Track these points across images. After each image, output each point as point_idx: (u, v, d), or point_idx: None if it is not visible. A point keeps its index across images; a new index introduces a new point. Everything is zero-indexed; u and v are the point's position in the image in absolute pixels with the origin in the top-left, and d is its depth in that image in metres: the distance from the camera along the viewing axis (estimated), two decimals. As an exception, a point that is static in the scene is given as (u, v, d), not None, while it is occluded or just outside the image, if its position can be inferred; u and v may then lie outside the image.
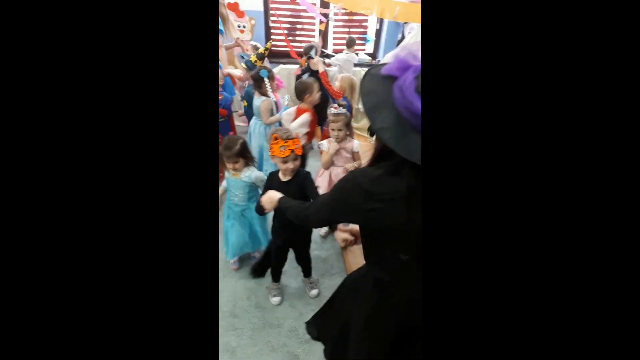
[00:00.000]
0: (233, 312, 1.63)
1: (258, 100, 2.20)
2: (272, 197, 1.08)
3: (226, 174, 1.65)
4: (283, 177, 1.40)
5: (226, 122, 2.39)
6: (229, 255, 1.77)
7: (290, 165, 1.35)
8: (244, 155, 1.57)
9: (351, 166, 1.85)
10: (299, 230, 1.57)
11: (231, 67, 2.92)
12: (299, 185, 1.40)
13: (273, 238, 1.58)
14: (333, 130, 1.77)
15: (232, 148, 1.53)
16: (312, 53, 2.52)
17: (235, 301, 1.68)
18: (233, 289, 1.74)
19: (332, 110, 1.76)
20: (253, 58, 2.35)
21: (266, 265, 1.67)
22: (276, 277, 1.69)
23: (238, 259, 1.85)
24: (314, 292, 1.71)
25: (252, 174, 1.61)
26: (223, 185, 1.70)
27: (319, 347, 1.50)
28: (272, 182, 1.42)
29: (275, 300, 1.67)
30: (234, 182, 1.63)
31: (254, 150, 2.37)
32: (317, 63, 2.39)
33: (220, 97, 2.26)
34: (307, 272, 1.72)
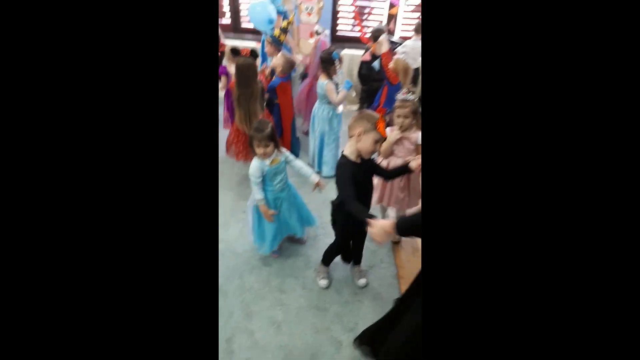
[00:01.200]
0: (281, 288, 1.66)
1: (322, 83, 2.17)
2: (384, 228, 1.07)
3: (261, 165, 1.53)
4: (356, 160, 1.33)
5: (277, 105, 2.34)
6: (266, 249, 1.72)
7: (379, 145, 1.34)
8: (274, 139, 1.52)
9: (414, 161, 1.40)
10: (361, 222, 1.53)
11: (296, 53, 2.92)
12: (368, 166, 1.39)
13: (337, 228, 1.56)
14: (398, 116, 1.67)
15: (264, 130, 1.46)
16: (383, 37, 2.42)
17: (284, 278, 1.71)
18: (281, 266, 1.77)
19: (400, 95, 1.67)
20: (277, 32, 2.33)
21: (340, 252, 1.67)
22: (327, 262, 1.67)
23: (278, 247, 1.80)
24: (362, 281, 1.68)
25: (287, 154, 1.61)
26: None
27: (364, 337, 1.48)
28: (346, 166, 1.31)
29: (323, 283, 1.67)
30: (273, 169, 1.56)
31: (315, 134, 2.36)
32: (382, 42, 2.29)
33: (269, 80, 2.27)
34: (357, 259, 1.69)
